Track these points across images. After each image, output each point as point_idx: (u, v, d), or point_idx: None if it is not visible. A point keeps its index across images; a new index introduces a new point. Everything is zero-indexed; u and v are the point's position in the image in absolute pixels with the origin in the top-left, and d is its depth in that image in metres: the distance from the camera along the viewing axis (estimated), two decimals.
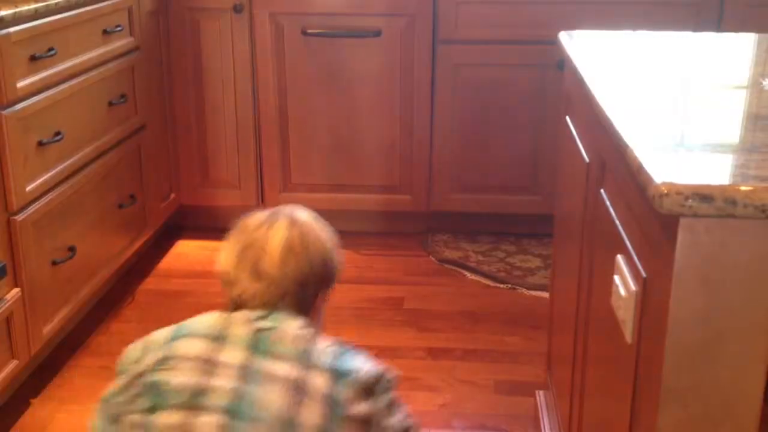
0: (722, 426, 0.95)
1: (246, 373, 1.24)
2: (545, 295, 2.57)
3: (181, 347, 1.29)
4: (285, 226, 1.40)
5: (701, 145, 1.12)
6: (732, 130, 1.19)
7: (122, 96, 2.68)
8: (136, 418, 1.25)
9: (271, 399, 1.21)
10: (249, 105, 3.12)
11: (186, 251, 3.16)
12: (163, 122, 3.06)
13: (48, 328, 2.23)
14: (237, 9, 3.01)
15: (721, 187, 0.88)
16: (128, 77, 2.74)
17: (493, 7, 2.98)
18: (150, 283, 2.90)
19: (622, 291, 1.10)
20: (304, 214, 1.46)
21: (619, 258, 1.15)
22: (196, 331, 1.31)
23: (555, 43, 1.89)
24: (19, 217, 2.09)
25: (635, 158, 0.99)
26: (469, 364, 2.43)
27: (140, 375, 1.28)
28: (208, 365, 1.25)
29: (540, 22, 2.94)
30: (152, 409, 1.24)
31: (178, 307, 2.73)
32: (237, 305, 1.36)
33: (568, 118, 1.79)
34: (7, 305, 2.03)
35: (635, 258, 1.08)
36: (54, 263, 2.24)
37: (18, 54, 2.07)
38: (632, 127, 1.12)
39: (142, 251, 2.96)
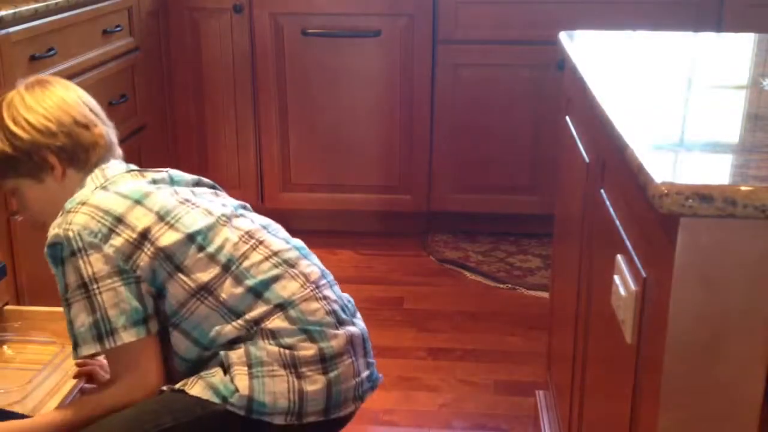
0: (722, 426, 0.95)
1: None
2: (545, 295, 2.57)
3: (157, 201, 1.42)
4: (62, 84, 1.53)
5: (701, 145, 1.12)
6: (732, 130, 1.19)
7: (122, 96, 2.68)
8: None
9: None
10: (249, 105, 3.12)
11: None
12: (163, 122, 3.06)
13: None
14: (237, 9, 3.02)
15: (721, 187, 0.88)
16: (128, 77, 2.74)
17: (493, 7, 2.98)
18: None
19: (622, 291, 1.10)
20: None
21: (619, 258, 1.15)
22: (142, 191, 1.43)
23: (555, 43, 1.89)
24: (20, 217, 2.08)
25: (635, 158, 0.99)
26: (469, 364, 2.43)
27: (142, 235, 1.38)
28: (188, 202, 1.46)
29: (540, 22, 2.94)
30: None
31: None
32: (91, 150, 1.46)
33: (568, 118, 1.79)
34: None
35: (635, 258, 1.08)
36: None
37: (18, 54, 2.07)
38: (632, 127, 1.12)
39: None
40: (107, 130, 1.52)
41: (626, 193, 1.15)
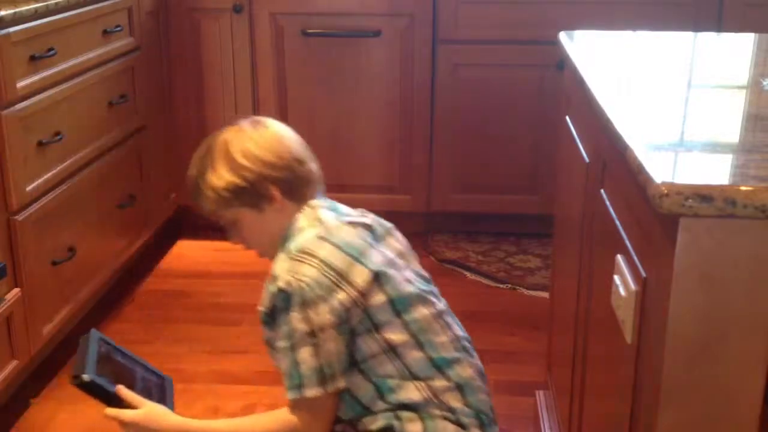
0: (722, 426, 0.95)
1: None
2: (545, 295, 2.57)
3: (372, 261, 1.47)
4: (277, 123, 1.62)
5: (701, 145, 1.12)
6: (732, 130, 1.19)
7: (122, 96, 2.68)
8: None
9: None
10: (249, 105, 3.12)
11: (186, 251, 3.16)
12: (163, 122, 3.06)
13: (48, 328, 2.23)
14: (237, 9, 3.02)
15: (721, 188, 0.88)
16: (128, 77, 2.74)
17: (493, 7, 2.98)
18: (150, 284, 2.90)
19: (622, 291, 1.10)
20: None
21: (619, 258, 1.15)
22: (360, 248, 1.49)
23: (555, 43, 1.89)
24: (19, 217, 2.09)
25: (635, 158, 0.99)
26: None
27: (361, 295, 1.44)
28: (394, 265, 1.53)
29: (540, 22, 2.94)
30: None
31: (178, 307, 2.73)
32: (302, 186, 1.59)
33: (568, 118, 1.79)
34: (7, 305, 2.03)
35: (635, 258, 1.08)
36: (54, 263, 2.24)
37: (18, 54, 2.07)
38: (632, 127, 1.12)
39: (142, 251, 2.96)
40: (317, 167, 1.66)
41: (626, 193, 1.15)
